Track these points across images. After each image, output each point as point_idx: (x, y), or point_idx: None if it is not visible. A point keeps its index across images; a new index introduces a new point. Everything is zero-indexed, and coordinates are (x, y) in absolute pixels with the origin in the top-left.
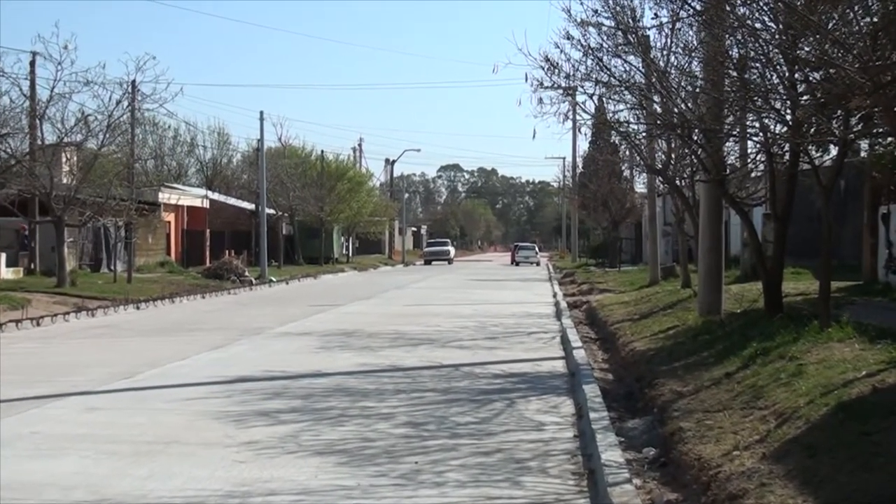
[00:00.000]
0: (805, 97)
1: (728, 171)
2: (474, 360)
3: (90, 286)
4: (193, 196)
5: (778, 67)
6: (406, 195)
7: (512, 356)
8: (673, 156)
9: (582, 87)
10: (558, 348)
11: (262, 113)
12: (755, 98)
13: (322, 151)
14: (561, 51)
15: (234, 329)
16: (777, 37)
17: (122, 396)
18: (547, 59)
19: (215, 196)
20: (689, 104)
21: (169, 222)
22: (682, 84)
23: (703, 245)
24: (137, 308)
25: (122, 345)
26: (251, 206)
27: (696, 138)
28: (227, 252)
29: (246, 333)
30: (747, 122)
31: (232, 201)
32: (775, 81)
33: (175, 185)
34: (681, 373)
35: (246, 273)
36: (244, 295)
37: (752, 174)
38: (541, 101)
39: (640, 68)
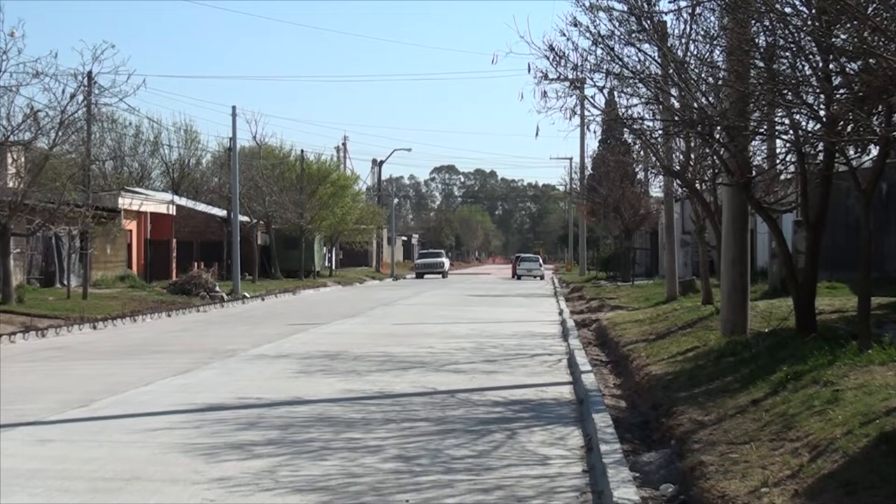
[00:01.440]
0: (841, 90)
1: (754, 173)
2: (471, 386)
3: (40, 303)
4: (158, 201)
5: (810, 57)
6: (396, 200)
7: (513, 381)
8: (692, 156)
9: (591, 79)
10: (565, 372)
11: (234, 108)
12: (785, 91)
13: (302, 151)
14: (567, 39)
15: (203, 351)
16: (809, 23)
17: (76, 427)
18: (552, 48)
19: (182, 201)
20: (711, 98)
21: (130, 231)
22: (703, 76)
23: (727, 256)
24: (94, 328)
25: (76, 369)
26: (223, 213)
27: (718, 136)
28: (195, 264)
29: (217, 356)
30: (776, 119)
31: (201, 207)
32: (807, 73)
33: (137, 190)
34: (702, 400)
35: (217, 288)
36: (215, 313)
37: (782, 177)
38: (545, 94)
39: (656, 58)
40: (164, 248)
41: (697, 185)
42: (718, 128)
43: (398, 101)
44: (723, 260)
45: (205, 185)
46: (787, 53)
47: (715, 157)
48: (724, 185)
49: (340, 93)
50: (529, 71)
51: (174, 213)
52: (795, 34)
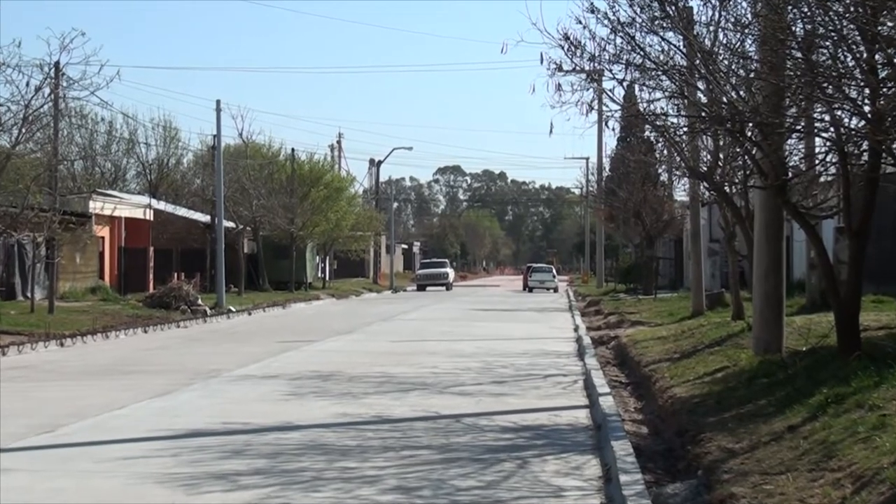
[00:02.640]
0: (888, 84)
1: (790, 174)
2: (478, 410)
3: (0, 318)
4: (133, 205)
5: (853, 47)
6: (395, 204)
7: (524, 405)
8: (721, 156)
9: (609, 70)
10: (581, 395)
11: (218, 102)
12: (824, 84)
13: (293, 150)
14: (584, 26)
15: (183, 371)
16: (853, 9)
17: (41, 455)
18: (567, 37)
19: (161, 205)
20: (742, 92)
21: (102, 238)
22: (733, 67)
23: (760, 267)
24: (61, 345)
25: (41, 391)
26: (205, 218)
27: (750, 134)
28: (175, 275)
29: (198, 376)
30: (814, 115)
31: (182, 212)
32: (850, 64)
33: (110, 192)
34: (732, 425)
35: (199, 301)
36: (196, 328)
37: (821, 179)
38: (559, 87)
39: (681, 48)
40: (141, 257)
41: (727, 188)
42: (750, 125)
43: (398, 95)
44: (755, 271)
45: (186, 187)
46: (828, 43)
47: (746, 158)
48: (757, 187)
49: (335, 86)
50: (542, 62)
51: (151, 219)
52: (837, 21)
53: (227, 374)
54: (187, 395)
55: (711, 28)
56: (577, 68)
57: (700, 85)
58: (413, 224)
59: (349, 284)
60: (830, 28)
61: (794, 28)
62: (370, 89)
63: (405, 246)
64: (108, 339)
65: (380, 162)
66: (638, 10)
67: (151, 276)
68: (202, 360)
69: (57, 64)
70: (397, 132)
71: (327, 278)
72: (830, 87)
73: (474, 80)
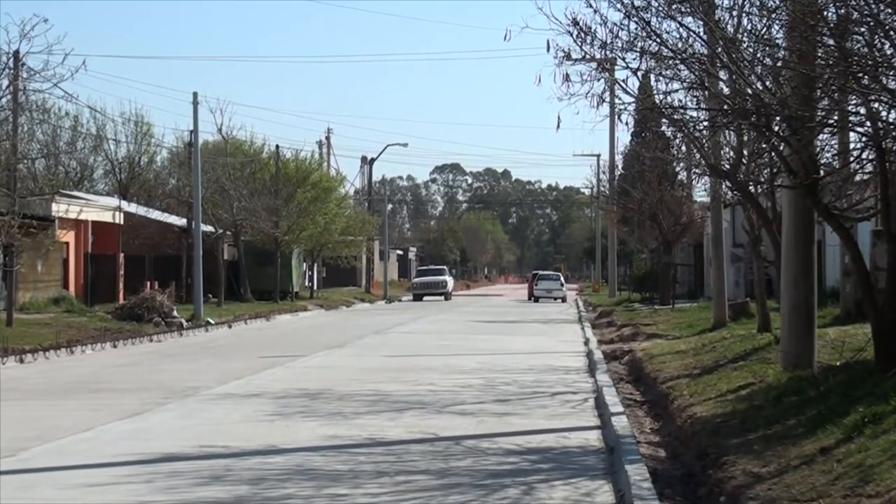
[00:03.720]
0: None
1: (822, 172)
2: (480, 431)
3: None
4: (101, 208)
5: (891, 33)
6: (390, 206)
7: (530, 425)
8: (746, 153)
9: (622, 59)
10: (592, 414)
11: (195, 95)
12: (860, 74)
13: (277, 147)
14: (595, 11)
15: (157, 389)
16: None
17: (1, 482)
18: (576, 23)
19: (132, 208)
20: (768, 83)
21: (66, 244)
22: (759, 56)
23: (788, 274)
24: (21, 361)
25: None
26: (181, 222)
27: (777, 129)
28: (148, 284)
29: (174, 395)
30: (848, 108)
31: (155, 215)
32: (888, 52)
33: (76, 194)
34: (758, 447)
35: (174, 313)
36: (171, 343)
37: (856, 177)
38: (567, 78)
39: (702, 34)
40: (109, 265)
41: (752, 188)
42: (778, 118)
43: (392, 87)
44: (783, 278)
45: (159, 187)
46: (863, 28)
47: (773, 154)
48: (785, 187)
49: (323, 77)
50: (549, 50)
51: (121, 222)
52: (873, 5)
53: (205, 392)
54: (161, 416)
55: (735, 13)
56: (587, 56)
57: (722, 75)
58: (409, 228)
59: (339, 294)
60: (866, 12)
61: (825, 13)
62: (361, 80)
63: (400, 252)
64: (73, 354)
65: (372, 160)
66: None
67: (121, 285)
68: (178, 378)
69: (16, 53)
70: (391, 127)
71: (315, 287)
72: (866, 76)
73: (475, 71)
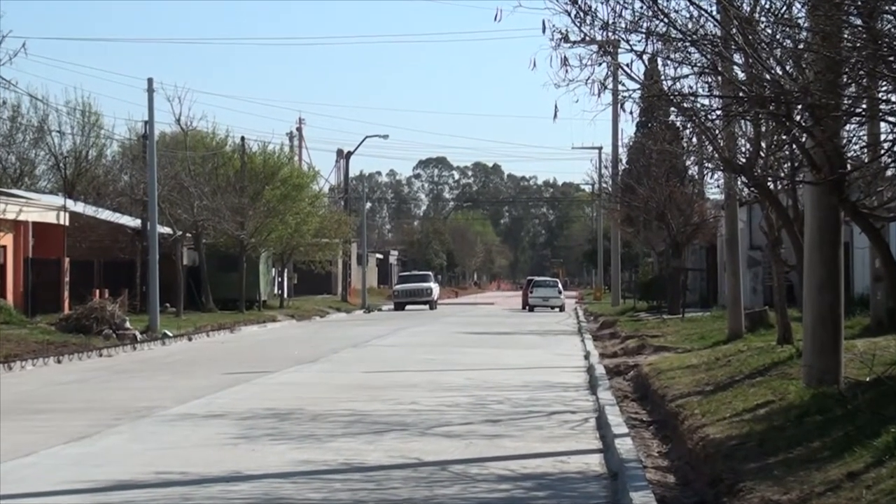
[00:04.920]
0: None
1: (849, 167)
2: (468, 455)
3: None
4: (44, 207)
5: None
6: (369, 205)
7: (524, 449)
8: (764, 145)
9: (626, 41)
10: (593, 436)
11: (150, 81)
12: (891, 58)
13: (242, 139)
14: None
15: (107, 409)
16: None
17: None
18: (574, 1)
19: (79, 207)
20: (789, 67)
21: (4, 247)
22: (778, 37)
23: (812, 279)
24: None
25: None
26: (135, 223)
27: (799, 118)
28: (97, 292)
29: (126, 416)
30: (878, 95)
31: (105, 215)
32: None
33: (15, 192)
34: (779, 472)
35: (127, 324)
36: (124, 357)
37: (888, 172)
38: (565, 62)
39: (715, 14)
40: (53, 271)
41: (770, 184)
42: (799, 107)
43: (370, 73)
44: (806, 284)
45: (110, 184)
46: (895, 7)
47: (794, 147)
48: (808, 183)
49: (294, 61)
50: (545, 31)
51: (67, 223)
52: None
53: (161, 412)
54: (112, 440)
55: None
56: (587, 38)
57: (737, 58)
58: (390, 229)
59: (312, 303)
60: None
61: None
62: (336, 65)
63: (380, 256)
64: (11, 370)
65: (349, 153)
66: None
67: (66, 293)
68: (131, 397)
69: None
70: (370, 117)
71: (285, 295)
72: None
73: (463, 54)
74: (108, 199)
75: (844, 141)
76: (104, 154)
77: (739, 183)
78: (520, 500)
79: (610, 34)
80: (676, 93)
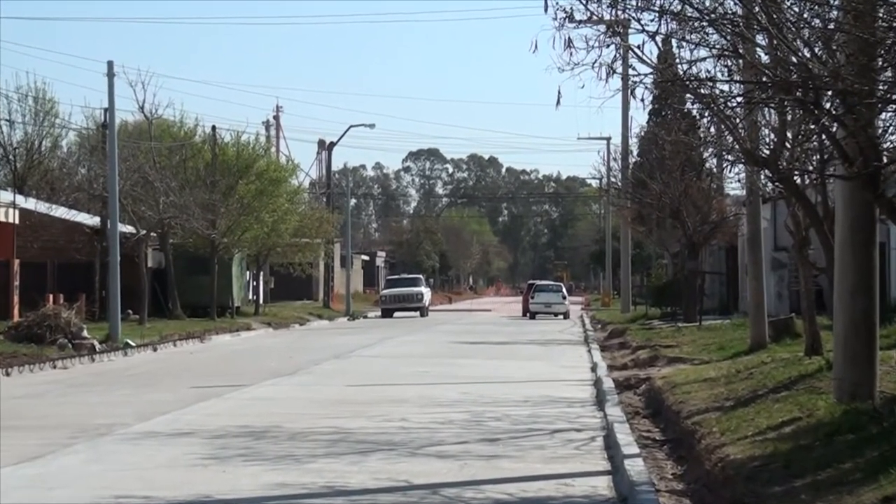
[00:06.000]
0: None
1: (884, 159)
2: (463, 478)
3: None
4: None
5: None
6: (354, 201)
7: (524, 470)
8: (790, 135)
9: (637, 20)
10: (601, 456)
11: (111, 64)
12: None
13: (214, 128)
14: None
15: (62, 426)
16: None
17: None
18: None
19: (31, 204)
20: (818, 49)
21: None
22: (806, 16)
23: (844, 283)
24: None
25: None
26: (93, 221)
27: (828, 106)
28: (50, 297)
29: (84, 434)
30: None
31: (60, 212)
32: None
33: None
34: (806, 497)
35: (84, 333)
36: (81, 370)
37: None
38: (570, 44)
39: None
40: (1, 274)
41: (797, 179)
42: (829, 93)
43: (355, 55)
44: (837, 289)
45: (66, 179)
46: None
47: (824, 137)
48: (839, 177)
49: (270, 43)
50: (547, 9)
51: (17, 221)
52: None
53: (122, 430)
54: (68, 460)
55: None
56: (594, 17)
57: (760, 40)
58: (376, 228)
59: (291, 309)
60: None
61: None
62: (317, 47)
63: (366, 257)
64: None
65: (332, 144)
66: None
67: (16, 298)
68: (89, 412)
69: None
70: (355, 104)
71: (262, 301)
72: None
73: (457, 35)
74: (63, 194)
75: (879, 131)
76: (59, 145)
77: (763, 177)
78: None
79: (619, 13)
80: (693, 77)
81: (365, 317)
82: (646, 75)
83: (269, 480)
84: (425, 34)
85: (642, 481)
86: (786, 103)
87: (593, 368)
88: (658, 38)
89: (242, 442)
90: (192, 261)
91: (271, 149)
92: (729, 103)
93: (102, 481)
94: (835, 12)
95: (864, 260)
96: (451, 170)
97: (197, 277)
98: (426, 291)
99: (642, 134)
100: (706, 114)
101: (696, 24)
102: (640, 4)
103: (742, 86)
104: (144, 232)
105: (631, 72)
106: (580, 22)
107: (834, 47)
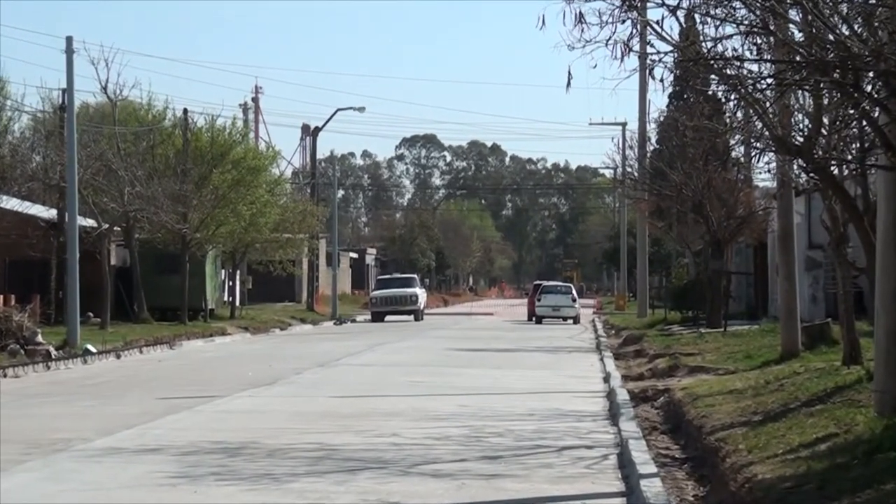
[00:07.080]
0: None
1: None
2: (460, 500)
3: None
4: None
5: None
6: (341, 192)
7: (529, 491)
8: (826, 121)
9: None
10: (614, 476)
11: (70, 40)
12: None
13: (185, 111)
14: None
15: (14, 441)
16: None
17: None
18: None
19: None
20: (857, 26)
21: None
22: None
23: (886, 285)
24: None
25: None
26: (50, 213)
27: (869, 89)
28: (1, 298)
29: (38, 450)
30: None
31: (11, 204)
32: None
33: None
34: None
35: (39, 338)
36: (35, 379)
37: None
38: (581, 19)
39: None
40: None
41: (834, 169)
42: (870, 74)
43: (342, 31)
44: (878, 291)
45: (18, 167)
46: None
47: (864, 123)
48: (881, 168)
49: (248, 18)
50: None
51: None
52: None
53: (81, 446)
54: (20, 478)
55: None
56: None
57: (793, 15)
58: (366, 222)
59: (271, 312)
60: None
61: None
62: (302, 21)
63: (355, 255)
64: None
65: (317, 129)
66: None
67: None
68: (44, 426)
69: None
70: (342, 84)
71: (238, 303)
72: None
73: (455, 9)
74: (15, 184)
75: None
76: (10, 129)
77: (795, 167)
78: None
79: None
80: (718, 56)
81: (353, 321)
82: (665, 54)
83: (246, 501)
84: (421, 8)
85: (660, 503)
86: (822, 85)
87: (606, 379)
88: (680, 13)
89: (216, 459)
90: (160, 258)
91: (249, 134)
92: (758, 85)
93: (60, 502)
94: None
95: None
96: (449, 158)
97: (166, 277)
98: (421, 293)
99: (661, 119)
100: (732, 97)
101: None
102: None
103: (773, 66)
104: (107, 226)
105: (649, 50)
106: None
107: (875, 24)
